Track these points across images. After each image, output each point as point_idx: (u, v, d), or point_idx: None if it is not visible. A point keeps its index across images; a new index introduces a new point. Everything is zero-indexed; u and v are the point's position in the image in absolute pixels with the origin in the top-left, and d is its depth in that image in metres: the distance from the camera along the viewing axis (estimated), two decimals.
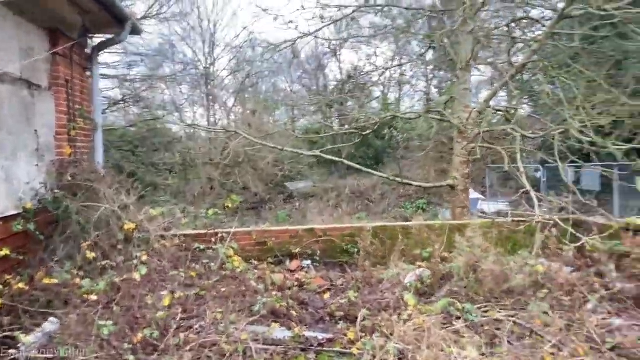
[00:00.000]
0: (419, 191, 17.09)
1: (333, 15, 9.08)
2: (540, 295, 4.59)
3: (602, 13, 7.23)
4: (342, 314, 4.59)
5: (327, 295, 5.14)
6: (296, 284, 5.52)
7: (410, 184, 8.86)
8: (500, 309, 4.69)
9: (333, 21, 9.15)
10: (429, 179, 15.18)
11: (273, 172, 18.21)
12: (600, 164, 9.49)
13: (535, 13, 9.04)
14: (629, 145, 7.61)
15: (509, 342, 3.91)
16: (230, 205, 6.36)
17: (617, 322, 4.38)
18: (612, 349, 3.84)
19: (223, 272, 5.30)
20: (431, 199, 17.41)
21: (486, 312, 4.64)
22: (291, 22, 9.20)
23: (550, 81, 8.12)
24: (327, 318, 4.59)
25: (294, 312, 4.54)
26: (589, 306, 4.71)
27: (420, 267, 5.58)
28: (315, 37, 9.36)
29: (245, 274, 5.25)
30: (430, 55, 14.61)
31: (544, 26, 8.88)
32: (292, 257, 6.41)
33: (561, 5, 8.88)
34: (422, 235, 6.31)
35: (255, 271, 5.59)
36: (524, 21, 8.95)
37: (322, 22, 9.19)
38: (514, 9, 9.43)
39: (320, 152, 9.05)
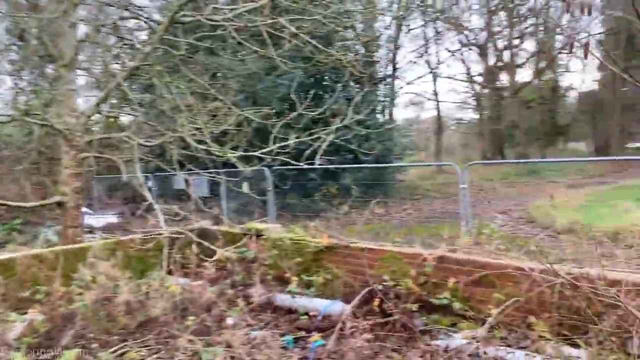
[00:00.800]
0: (12, 209, 14.36)
1: None
2: (187, 323, 4.12)
3: (212, 23, 7.40)
4: None
5: None
6: None
7: (6, 205, 7.06)
8: (141, 347, 4.02)
9: None
10: (25, 195, 12.88)
11: None
12: (208, 170, 9.87)
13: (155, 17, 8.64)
14: (239, 153, 8.07)
15: None
16: None
17: (259, 333, 4.33)
18: None
19: None
20: (28, 217, 14.91)
21: (123, 355, 3.89)
22: None
23: (167, 87, 7.85)
24: None
25: None
26: (229, 322, 4.54)
27: (32, 312, 4.32)
28: None
29: None
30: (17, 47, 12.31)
31: (153, 31, 8.54)
32: None
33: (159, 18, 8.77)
34: (30, 271, 4.95)
35: None
36: (134, 22, 8.46)
37: None
38: (120, 9, 8.75)
39: None
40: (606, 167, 27.55)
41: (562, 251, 4.82)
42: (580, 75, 59.78)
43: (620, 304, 3.31)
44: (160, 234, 5.86)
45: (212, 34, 8.92)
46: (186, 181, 8.65)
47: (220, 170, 10.27)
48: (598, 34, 37.41)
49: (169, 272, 5.38)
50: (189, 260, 5.25)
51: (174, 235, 5.84)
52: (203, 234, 6.12)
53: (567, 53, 35.80)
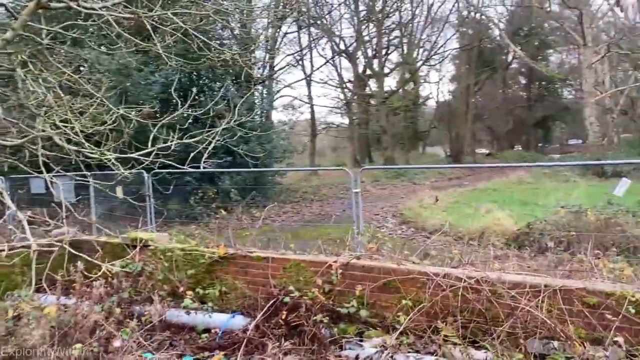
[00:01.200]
0: None
1: None
2: (73, 351, 3.59)
3: (86, 11, 6.64)
4: None
5: None
6: None
7: None
8: None
9: None
10: None
11: None
12: (76, 173, 8.93)
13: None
14: (115, 154, 7.37)
15: None
16: None
17: (153, 356, 3.93)
18: None
19: None
20: None
21: None
22: None
23: (35, 79, 6.89)
24: None
25: None
26: (116, 344, 4.06)
27: None
28: None
29: None
30: None
31: (13, 15, 7.49)
32: None
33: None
34: None
35: None
36: None
37: None
38: None
39: None
40: (462, 171, 30.26)
41: (449, 253, 5.04)
42: (437, 86, 65.22)
43: (520, 305, 3.50)
44: (27, 246, 5.09)
45: (83, 23, 8.06)
46: (52, 184, 7.70)
47: (89, 173, 9.33)
48: (454, 49, 41.10)
49: (38, 290, 4.69)
50: (65, 277, 4.63)
51: (44, 248, 5.11)
52: (78, 245, 5.45)
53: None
